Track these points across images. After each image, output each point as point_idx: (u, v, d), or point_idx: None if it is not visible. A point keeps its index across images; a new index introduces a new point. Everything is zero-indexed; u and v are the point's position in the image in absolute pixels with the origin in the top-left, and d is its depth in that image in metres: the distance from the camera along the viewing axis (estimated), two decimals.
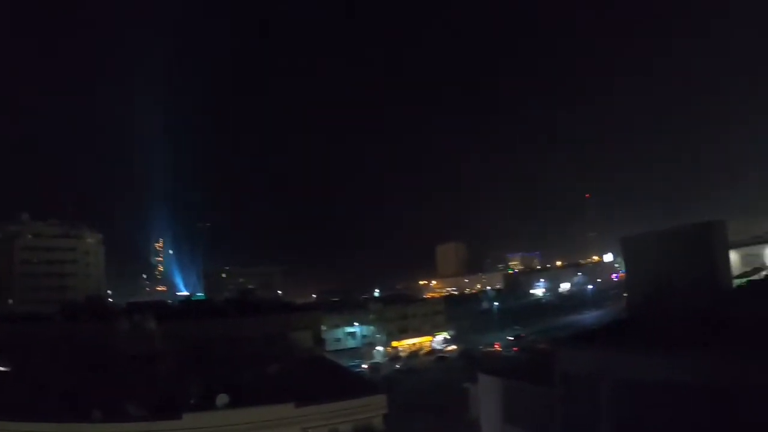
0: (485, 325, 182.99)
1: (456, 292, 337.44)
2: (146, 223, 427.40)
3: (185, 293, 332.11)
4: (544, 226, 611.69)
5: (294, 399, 31.00)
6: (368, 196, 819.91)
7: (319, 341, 77.38)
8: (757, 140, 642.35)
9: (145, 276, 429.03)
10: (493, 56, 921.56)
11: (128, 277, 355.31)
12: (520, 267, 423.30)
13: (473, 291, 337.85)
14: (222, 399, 30.61)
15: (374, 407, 33.27)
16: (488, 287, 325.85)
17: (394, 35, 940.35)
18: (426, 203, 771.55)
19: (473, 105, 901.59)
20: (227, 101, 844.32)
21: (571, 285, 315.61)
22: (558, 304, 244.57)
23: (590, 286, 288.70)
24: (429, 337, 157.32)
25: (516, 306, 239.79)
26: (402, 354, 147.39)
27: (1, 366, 46.49)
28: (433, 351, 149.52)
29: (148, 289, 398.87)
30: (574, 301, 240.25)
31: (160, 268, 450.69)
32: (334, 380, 41.55)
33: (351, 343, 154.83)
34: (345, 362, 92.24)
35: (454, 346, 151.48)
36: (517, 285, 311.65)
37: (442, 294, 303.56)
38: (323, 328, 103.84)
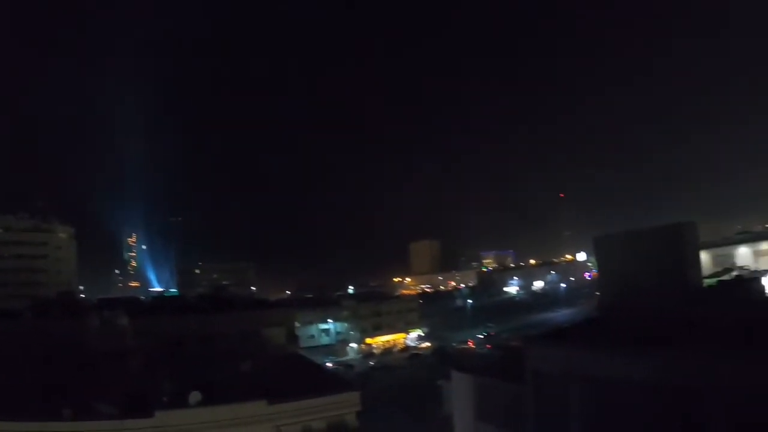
0: (459, 323, 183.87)
1: (430, 290, 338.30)
2: (119, 218, 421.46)
3: (158, 289, 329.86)
4: (518, 224, 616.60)
5: (267, 396, 30.96)
6: (343, 193, 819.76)
7: (293, 338, 77.15)
8: (730, 144, 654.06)
9: (117, 271, 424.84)
10: (468, 55, 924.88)
11: (100, 273, 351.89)
12: (494, 265, 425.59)
13: (447, 288, 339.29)
14: (194, 397, 30.45)
15: (347, 404, 33.32)
16: (462, 285, 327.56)
17: (363, 32, 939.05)
18: (400, 201, 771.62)
19: (448, 104, 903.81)
20: (200, 97, 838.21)
21: (545, 283, 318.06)
22: (531, 302, 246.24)
23: (563, 285, 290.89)
24: (403, 334, 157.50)
25: (489, 304, 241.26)
26: (376, 351, 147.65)
27: None
28: (406, 348, 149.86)
29: (120, 284, 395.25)
30: (547, 300, 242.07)
31: (133, 264, 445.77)
32: (308, 377, 41.53)
33: (325, 340, 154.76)
34: (318, 359, 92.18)
35: (427, 343, 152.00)
36: (491, 283, 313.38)
37: (416, 291, 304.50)
38: (297, 325, 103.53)
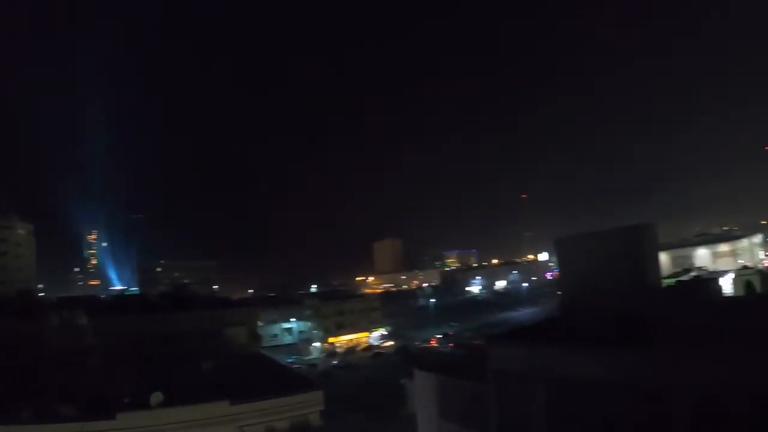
0: (422, 322, 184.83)
1: (393, 289, 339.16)
2: (79, 215, 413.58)
3: (119, 287, 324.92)
4: (481, 224, 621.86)
5: (230, 396, 30.77)
6: (305, 192, 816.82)
7: (255, 337, 76.81)
8: (690, 149, 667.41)
9: (77, 269, 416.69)
10: (431, 56, 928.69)
11: (60, 271, 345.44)
12: (457, 264, 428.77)
13: (410, 288, 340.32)
14: (156, 398, 30.14)
15: (311, 404, 33.24)
16: (425, 284, 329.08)
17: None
18: (364, 200, 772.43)
19: (411, 104, 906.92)
20: (162, 93, 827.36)
21: (507, 283, 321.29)
22: (494, 301, 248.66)
23: (525, 284, 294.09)
24: (366, 333, 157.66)
25: (452, 303, 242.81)
26: (339, 350, 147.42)
27: None
28: (370, 347, 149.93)
29: (80, 283, 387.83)
30: (510, 299, 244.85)
31: (94, 262, 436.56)
32: (270, 377, 41.36)
33: (287, 340, 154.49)
34: (281, 358, 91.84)
35: (390, 342, 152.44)
36: (454, 282, 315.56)
37: (379, 290, 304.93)
38: (259, 324, 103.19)
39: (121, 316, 66.45)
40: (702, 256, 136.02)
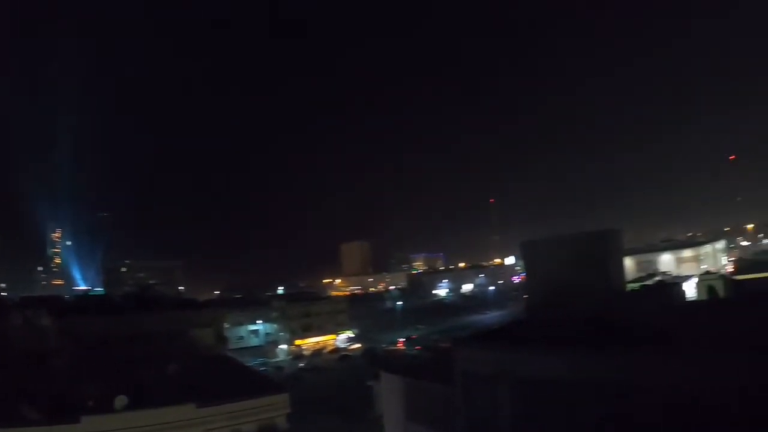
0: (389, 324, 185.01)
1: (360, 291, 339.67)
2: (43, 213, 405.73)
3: (83, 287, 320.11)
4: (448, 228, 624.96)
5: (195, 399, 30.56)
6: (274, 194, 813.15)
7: (222, 339, 76.21)
8: (656, 156, 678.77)
9: (41, 269, 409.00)
10: (400, 60, 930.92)
11: (23, 270, 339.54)
12: (424, 267, 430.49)
13: (377, 290, 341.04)
14: (121, 401, 29.81)
15: (277, 406, 33.20)
16: (392, 287, 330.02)
17: (301, 33, 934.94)
18: (332, 202, 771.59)
19: (381, 107, 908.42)
20: (128, 91, 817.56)
21: (474, 286, 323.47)
22: (460, 304, 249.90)
23: (492, 288, 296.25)
24: (333, 336, 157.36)
25: (419, 306, 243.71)
26: (305, 352, 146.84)
27: None
28: (336, 349, 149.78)
29: (44, 282, 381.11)
30: (476, 302, 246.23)
31: (57, 261, 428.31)
32: (237, 379, 41.18)
33: (254, 342, 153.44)
34: (248, 361, 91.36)
35: (357, 345, 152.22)
36: (421, 285, 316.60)
37: (347, 293, 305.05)
38: (226, 325, 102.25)
39: (85, 316, 65.47)
40: (666, 261, 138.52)
